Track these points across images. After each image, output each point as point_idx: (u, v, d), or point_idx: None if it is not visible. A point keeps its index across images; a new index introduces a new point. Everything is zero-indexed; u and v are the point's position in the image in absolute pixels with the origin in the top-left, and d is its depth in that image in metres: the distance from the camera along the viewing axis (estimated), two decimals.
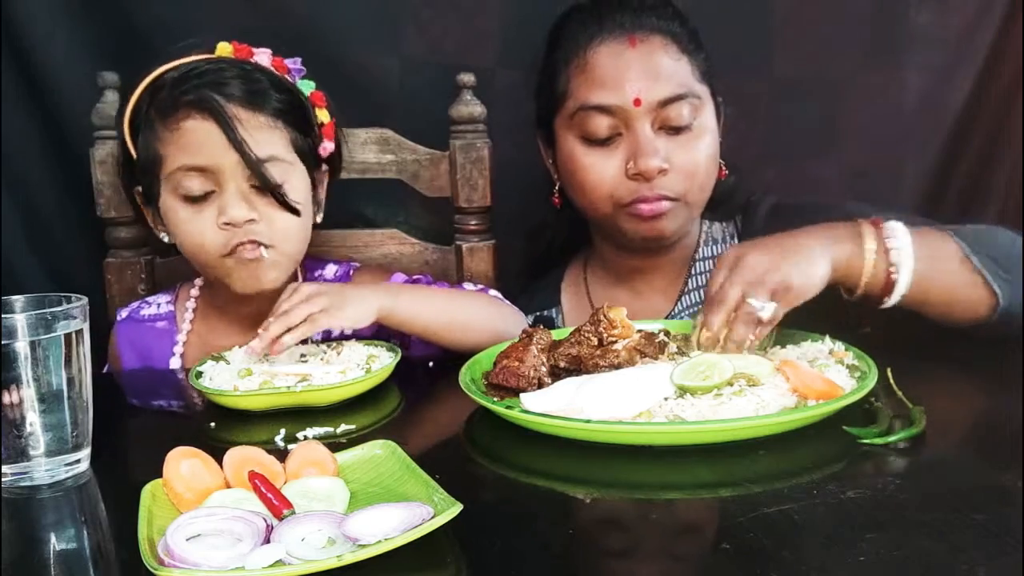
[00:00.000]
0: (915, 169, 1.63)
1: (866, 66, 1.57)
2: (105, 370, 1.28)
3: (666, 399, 0.84)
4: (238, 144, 1.06)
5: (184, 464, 0.72)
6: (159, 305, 1.28)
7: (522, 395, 0.89)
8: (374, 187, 1.42)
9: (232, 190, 1.08)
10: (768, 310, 0.92)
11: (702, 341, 0.95)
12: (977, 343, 1.03)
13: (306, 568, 0.59)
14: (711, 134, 1.20)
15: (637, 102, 1.14)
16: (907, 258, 0.98)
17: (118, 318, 1.28)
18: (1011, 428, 0.83)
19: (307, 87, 1.18)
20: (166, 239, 1.17)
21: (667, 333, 1.02)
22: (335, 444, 0.79)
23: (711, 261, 1.29)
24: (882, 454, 0.77)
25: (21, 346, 0.78)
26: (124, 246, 1.36)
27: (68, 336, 0.80)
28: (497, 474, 0.82)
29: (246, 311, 1.19)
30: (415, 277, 1.27)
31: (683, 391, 0.84)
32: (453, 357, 1.07)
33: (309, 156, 1.16)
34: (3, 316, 0.77)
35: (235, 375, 1.00)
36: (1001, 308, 1.00)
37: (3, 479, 0.78)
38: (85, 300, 0.83)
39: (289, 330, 1.00)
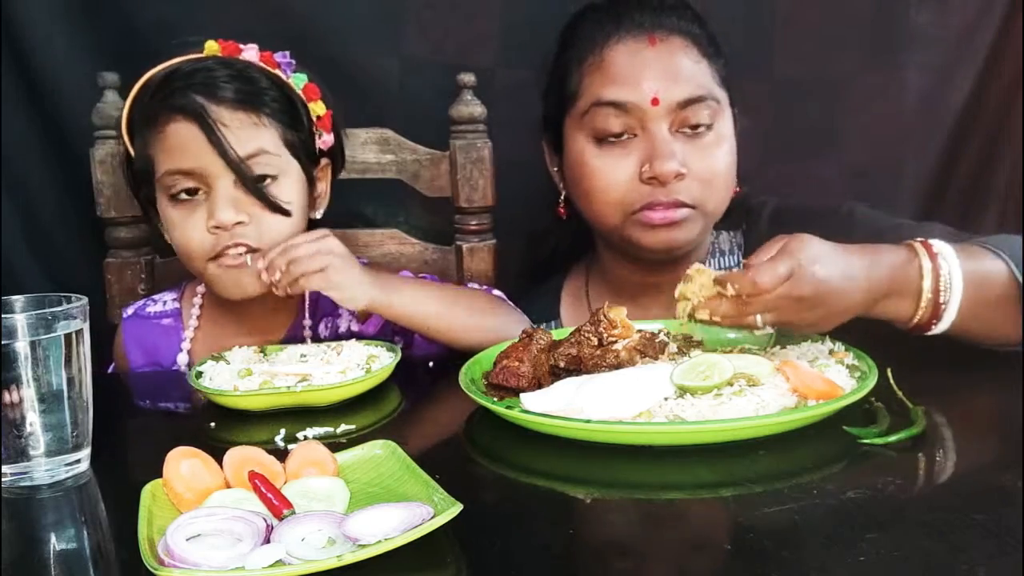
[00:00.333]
0: (915, 169, 1.63)
1: (866, 66, 1.58)
2: (110, 369, 1.28)
3: (666, 399, 0.84)
4: (219, 145, 1.05)
5: (184, 464, 0.72)
6: (165, 302, 1.28)
7: (522, 395, 0.89)
8: (374, 187, 1.42)
9: (221, 193, 1.07)
10: (764, 331, 0.90)
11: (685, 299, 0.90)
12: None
13: (306, 568, 0.59)
14: (729, 142, 1.15)
15: (655, 101, 1.10)
16: (957, 290, 0.92)
17: (124, 315, 1.28)
18: (1011, 428, 0.83)
19: (299, 80, 1.17)
20: (168, 239, 1.17)
21: (667, 333, 1.02)
22: (335, 444, 0.79)
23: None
24: (882, 454, 0.77)
25: (21, 346, 0.78)
26: (124, 246, 1.36)
27: (68, 336, 0.80)
28: (497, 474, 0.82)
29: (253, 308, 1.19)
30: (421, 276, 1.27)
31: (683, 391, 0.84)
32: (453, 357, 1.07)
33: (303, 152, 1.14)
34: (3, 316, 0.77)
35: (235, 375, 1.00)
36: None
37: (3, 479, 0.78)
38: (85, 300, 0.83)
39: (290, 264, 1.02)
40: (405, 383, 1.06)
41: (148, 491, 0.70)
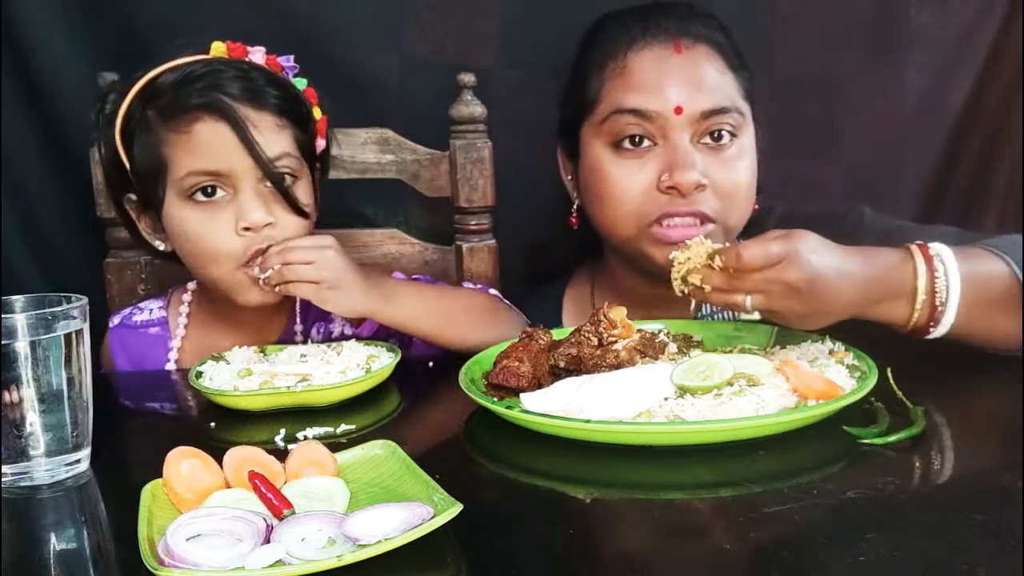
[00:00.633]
0: (915, 169, 1.63)
1: (866, 66, 1.57)
2: (102, 371, 1.28)
3: (666, 399, 0.84)
4: (251, 146, 1.04)
5: (184, 464, 0.72)
6: (151, 311, 1.26)
7: (522, 395, 0.89)
8: (374, 187, 1.42)
9: (249, 193, 1.06)
10: (749, 315, 0.89)
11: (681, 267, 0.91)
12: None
13: (306, 568, 0.59)
14: (751, 157, 1.12)
15: (678, 110, 1.07)
16: (955, 294, 0.91)
17: (110, 324, 1.26)
18: (1011, 428, 0.83)
19: (300, 84, 1.16)
20: (162, 247, 1.14)
21: (667, 333, 1.02)
22: (335, 444, 0.79)
23: None
24: (882, 454, 0.77)
25: (21, 346, 0.78)
26: (124, 246, 1.36)
27: (68, 336, 0.80)
28: (497, 474, 0.82)
29: (243, 314, 1.17)
30: (414, 277, 1.27)
31: (683, 391, 0.84)
32: (453, 357, 1.07)
33: (310, 154, 1.15)
34: (3, 316, 0.77)
35: (235, 375, 1.00)
36: None
37: (3, 479, 0.78)
38: (85, 300, 0.83)
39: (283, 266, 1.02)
40: (405, 383, 1.06)
41: (148, 491, 0.70)
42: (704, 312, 1.21)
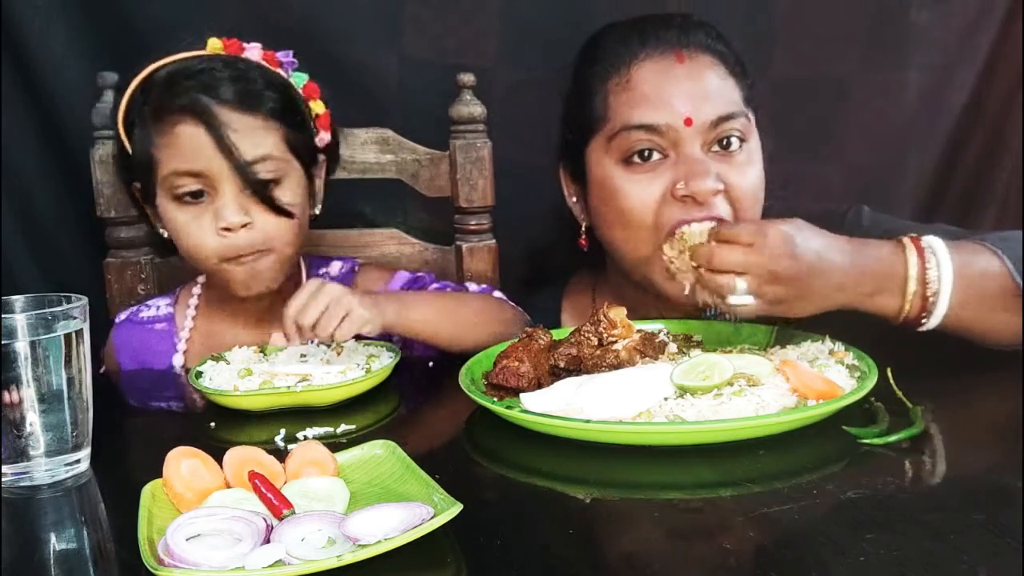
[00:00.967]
0: (915, 169, 1.63)
1: (866, 66, 1.57)
2: (101, 371, 1.28)
3: (666, 399, 0.84)
4: (226, 149, 1.06)
5: (184, 464, 0.72)
6: (158, 307, 1.27)
7: (522, 395, 0.89)
8: (374, 187, 1.42)
9: (227, 195, 1.08)
10: (739, 298, 0.90)
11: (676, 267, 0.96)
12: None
13: (306, 568, 0.59)
14: (759, 160, 1.12)
15: (688, 122, 1.06)
16: (947, 285, 0.91)
17: (116, 321, 1.27)
18: (1011, 428, 0.83)
19: (300, 79, 1.17)
20: (165, 235, 1.17)
21: (667, 333, 1.02)
22: (335, 444, 0.79)
23: None
24: (882, 454, 0.77)
25: (21, 346, 0.78)
26: (124, 246, 1.36)
27: (68, 336, 0.80)
28: (497, 474, 0.82)
29: (250, 307, 1.20)
30: (418, 274, 1.27)
31: (683, 391, 0.84)
32: (453, 357, 1.07)
33: (304, 151, 1.15)
34: (3, 316, 0.77)
35: (235, 375, 1.00)
36: None
37: (3, 479, 0.78)
38: (85, 300, 0.83)
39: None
40: (405, 383, 1.06)
41: (148, 491, 0.70)
42: (708, 313, 1.21)
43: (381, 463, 0.75)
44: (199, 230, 1.09)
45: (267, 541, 0.62)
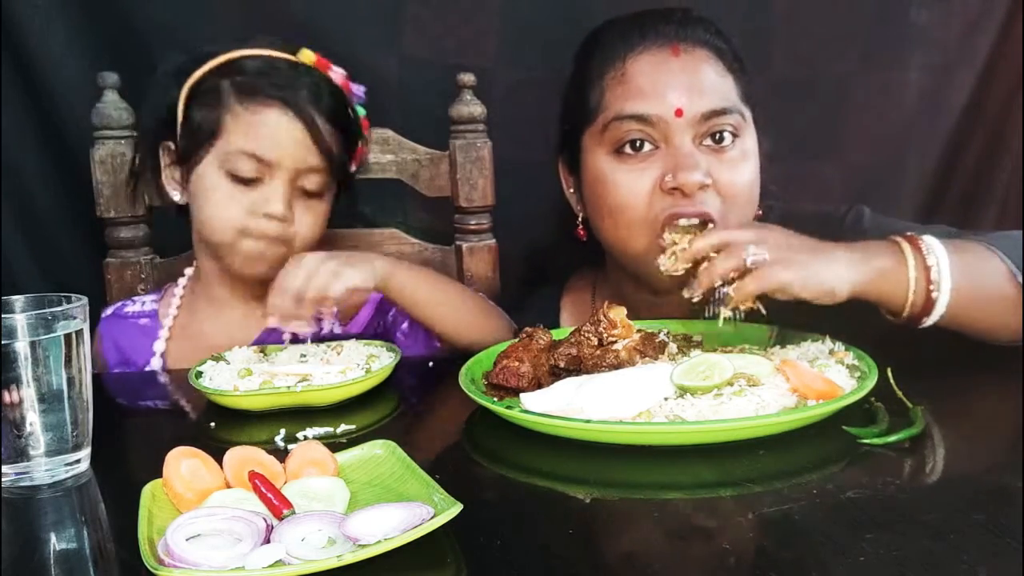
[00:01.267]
0: (916, 169, 1.63)
1: (866, 66, 1.57)
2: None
3: (666, 399, 0.84)
4: (324, 145, 1.14)
5: (184, 464, 0.72)
6: (144, 303, 1.30)
7: (522, 395, 0.89)
8: (374, 187, 1.42)
9: (281, 186, 1.14)
10: (757, 262, 0.89)
11: (673, 255, 0.96)
12: (977, 343, 1.03)
13: (306, 568, 0.59)
14: (753, 159, 1.12)
15: (679, 112, 1.06)
16: (946, 275, 0.92)
17: (102, 315, 1.29)
18: (1011, 428, 0.83)
19: (360, 112, 1.25)
20: (177, 198, 1.21)
21: (667, 333, 1.02)
22: (335, 444, 0.79)
23: None
24: (882, 454, 0.77)
25: (21, 346, 0.78)
26: (124, 246, 1.36)
27: (68, 336, 0.80)
28: (497, 474, 0.82)
29: (234, 293, 1.24)
30: None
31: (683, 391, 0.84)
32: (453, 357, 1.07)
33: (342, 173, 1.22)
34: (3, 316, 0.77)
35: (235, 375, 1.00)
36: None
37: (3, 479, 0.78)
38: (85, 300, 0.83)
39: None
40: (405, 383, 1.06)
41: (148, 491, 0.70)
42: (709, 312, 1.21)
43: (381, 463, 0.75)
44: (235, 206, 1.14)
45: (267, 541, 0.62)
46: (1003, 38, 1.57)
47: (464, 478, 0.79)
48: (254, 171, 1.13)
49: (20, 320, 0.78)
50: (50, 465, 0.80)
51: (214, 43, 1.19)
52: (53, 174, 1.52)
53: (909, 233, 0.96)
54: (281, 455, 0.76)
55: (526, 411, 0.84)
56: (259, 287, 1.20)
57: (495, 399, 0.90)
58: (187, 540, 0.62)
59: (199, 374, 1.02)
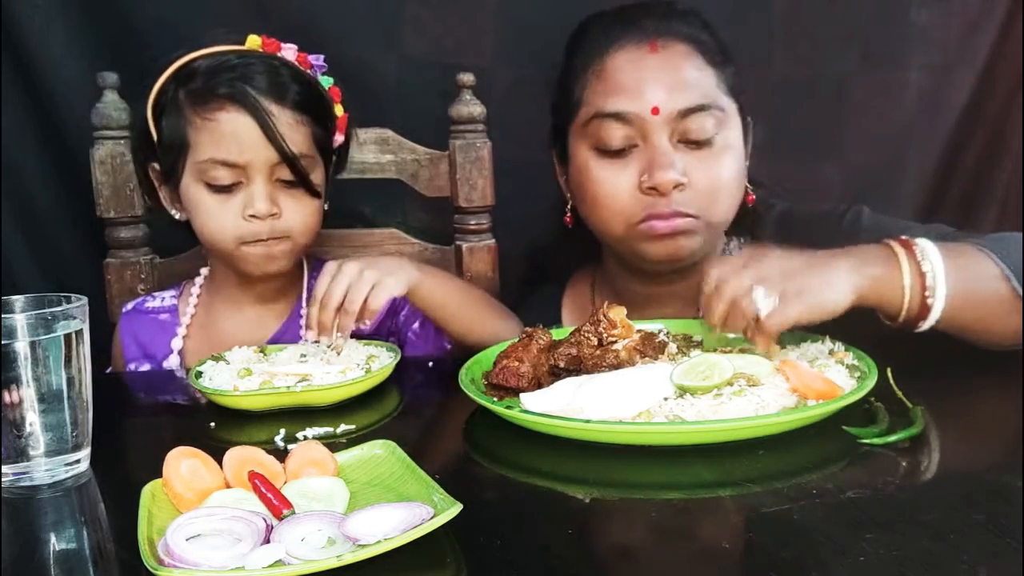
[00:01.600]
0: (916, 169, 1.62)
1: (866, 66, 1.57)
2: (108, 370, 1.29)
3: (666, 399, 0.84)
4: (278, 143, 1.11)
5: (184, 464, 0.72)
6: (163, 299, 1.31)
7: (522, 395, 0.89)
8: (374, 187, 1.42)
9: (259, 184, 1.13)
10: (766, 306, 0.88)
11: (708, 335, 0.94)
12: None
13: (306, 568, 0.59)
14: (735, 151, 1.12)
15: (655, 111, 1.07)
16: (941, 280, 0.91)
17: (123, 310, 1.31)
18: (1011, 428, 0.82)
19: (326, 83, 1.21)
20: (177, 216, 1.21)
21: (667, 333, 1.02)
22: (335, 444, 0.79)
23: None
24: (882, 454, 0.77)
25: (21, 346, 0.78)
26: (124, 246, 1.36)
27: (68, 336, 0.80)
28: (497, 474, 0.82)
29: (248, 293, 1.25)
30: None
31: (683, 391, 0.84)
32: (453, 357, 1.07)
33: (326, 150, 1.20)
34: (3, 316, 0.77)
35: (235, 375, 1.00)
36: None
37: (3, 479, 0.78)
38: (85, 300, 0.83)
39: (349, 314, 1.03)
40: (405, 383, 1.06)
41: (148, 491, 0.70)
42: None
43: (381, 463, 0.75)
44: (224, 215, 1.13)
45: (267, 541, 0.62)
46: (1003, 38, 1.57)
47: (464, 478, 0.79)
48: (229, 177, 1.12)
49: (20, 320, 0.78)
50: (50, 465, 0.80)
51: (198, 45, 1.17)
52: (53, 174, 1.52)
53: (904, 237, 0.95)
54: (281, 455, 0.76)
55: (526, 411, 0.84)
56: (272, 285, 1.23)
57: (495, 399, 0.90)
58: (187, 540, 0.62)
59: (199, 374, 1.02)
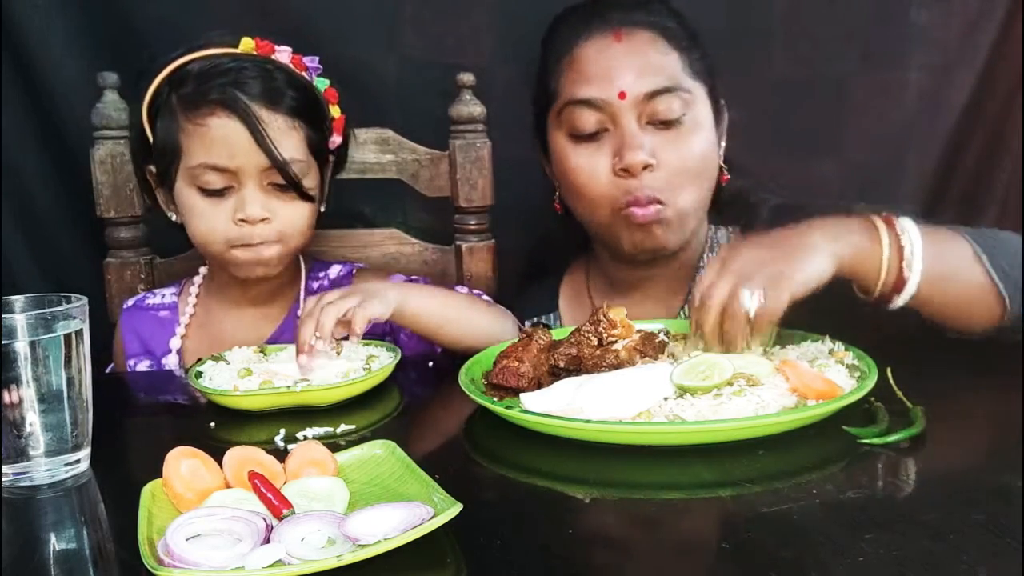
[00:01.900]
0: (916, 169, 1.62)
1: (866, 66, 1.57)
2: (109, 370, 1.29)
3: (666, 399, 0.84)
4: (268, 149, 1.10)
5: (184, 464, 0.72)
6: (164, 296, 1.31)
7: (522, 395, 0.89)
8: (374, 187, 1.43)
9: (251, 189, 1.12)
10: (754, 302, 0.89)
11: (699, 345, 0.93)
12: (977, 343, 1.03)
13: (306, 568, 0.59)
14: (705, 131, 1.17)
15: (622, 95, 1.12)
16: (918, 255, 0.94)
17: (124, 306, 1.31)
18: (1011, 428, 0.82)
19: (322, 84, 1.21)
20: (175, 219, 1.20)
21: (667, 333, 1.02)
22: (335, 444, 0.79)
23: None
24: (882, 454, 0.77)
25: (21, 346, 0.77)
26: (124, 246, 1.36)
27: (68, 336, 0.80)
28: (497, 474, 0.82)
29: (246, 294, 1.25)
30: (413, 278, 1.28)
31: (683, 391, 0.84)
32: (454, 357, 1.07)
33: (321, 152, 1.19)
34: (3, 316, 0.77)
35: (235, 375, 1.00)
36: (1010, 314, 0.97)
37: (3, 479, 0.78)
38: (85, 300, 0.83)
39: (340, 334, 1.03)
40: (405, 383, 1.06)
41: (148, 491, 0.70)
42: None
43: (381, 463, 0.75)
44: (215, 218, 1.13)
45: (267, 541, 0.62)
46: (1003, 38, 1.57)
47: (464, 478, 0.78)
48: (221, 181, 1.12)
49: (20, 320, 0.78)
50: (50, 465, 0.80)
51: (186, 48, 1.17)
52: (53, 174, 1.52)
53: (885, 213, 0.97)
54: (281, 455, 0.76)
55: (526, 411, 0.84)
56: (269, 286, 1.24)
57: (495, 399, 0.90)
58: (187, 540, 0.62)
59: (199, 374, 1.02)
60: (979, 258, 0.97)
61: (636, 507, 0.72)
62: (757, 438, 0.78)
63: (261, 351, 1.10)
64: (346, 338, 1.14)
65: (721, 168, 1.22)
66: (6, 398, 0.77)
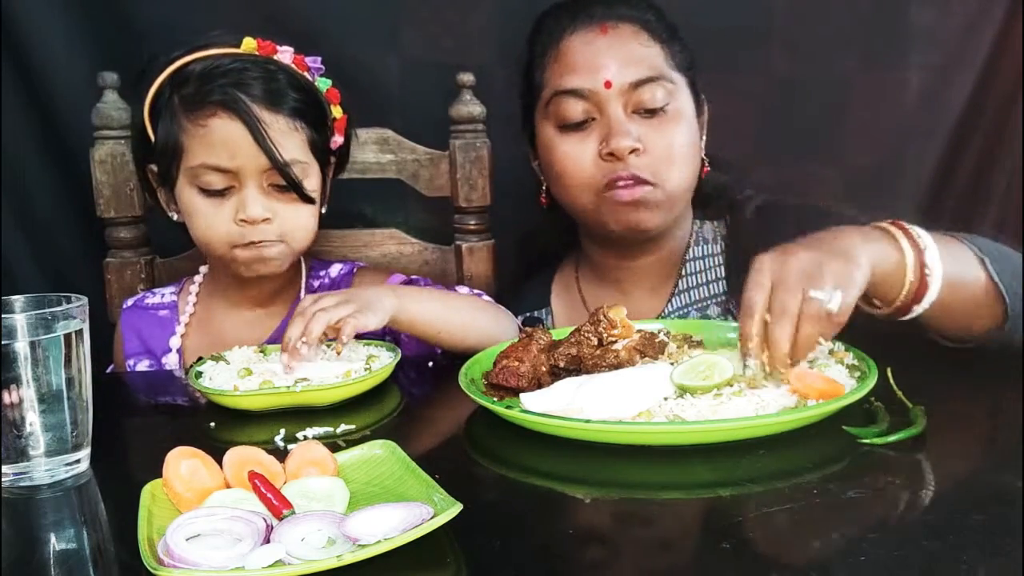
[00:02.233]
0: (915, 169, 1.63)
1: (866, 66, 1.58)
2: (109, 370, 1.29)
3: (666, 399, 0.84)
4: (268, 150, 1.10)
5: (184, 464, 0.72)
6: (163, 295, 1.31)
7: (522, 395, 0.89)
8: (374, 187, 1.43)
9: (252, 189, 1.12)
10: (836, 300, 0.83)
11: (771, 364, 0.85)
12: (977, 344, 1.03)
13: (306, 568, 0.59)
14: (687, 121, 1.20)
15: (608, 84, 1.16)
16: (937, 261, 0.92)
17: (124, 306, 1.31)
18: (1011, 428, 0.82)
19: (324, 84, 1.21)
20: (176, 218, 1.20)
21: (667, 333, 1.02)
22: (335, 444, 0.79)
23: (702, 261, 1.28)
24: (882, 454, 0.77)
25: (21, 346, 0.77)
26: (124, 246, 1.36)
27: (68, 336, 0.80)
28: (497, 474, 0.82)
29: (246, 294, 1.25)
30: (412, 278, 1.28)
31: (683, 391, 0.84)
32: (454, 357, 1.07)
33: (323, 153, 1.19)
34: (3, 316, 0.77)
35: (235, 375, 1.00)
36: (1011, 318, 0.97)
37: (3, 479, 0.78)
38: (85, 300, 0.83)
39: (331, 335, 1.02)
40: (405, 383, 1.06)
41: (148, 491, 0.70)
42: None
43: (381, 463, 0.75)
44: (216, 219, 1.14)
45: (267, 541, 0.62)
46: (1003, 38, 1.57)
47: (464, 478, 0.78)
48: (222, 182, 1.12)
49: (20, 320, 0.78)
50: (50, 465, 0.80)
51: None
52: (53, 174, 1.52)
53: (895, 220, 0.97)
54: (281, 455, 0.76)
55: (526, 411, 0.84)
56: (269, 286, 1.24)
57: (495, 399, 0.90)
58: (187, 540, 0.62)
59: (199, 374, 1.02)
60: (981, 260, 0.97)
61: (636, 507, 0.72)
62: (757, 438, 0.78)
63: (261, 351, 1.10)
64: (333, 339, 1.14)
65: (703, 161, 1.25)
66: (6, 398, 0.77)
